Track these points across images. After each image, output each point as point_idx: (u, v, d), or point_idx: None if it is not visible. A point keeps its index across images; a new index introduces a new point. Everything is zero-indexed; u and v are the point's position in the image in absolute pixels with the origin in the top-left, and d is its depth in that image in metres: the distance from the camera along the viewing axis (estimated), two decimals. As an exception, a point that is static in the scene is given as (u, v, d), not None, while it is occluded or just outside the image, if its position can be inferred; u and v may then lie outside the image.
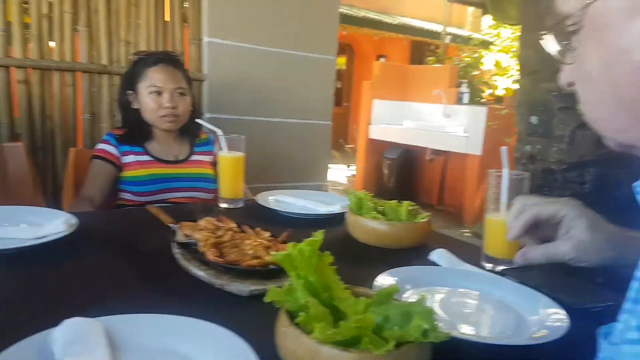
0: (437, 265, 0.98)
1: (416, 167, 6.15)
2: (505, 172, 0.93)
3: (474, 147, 4.95)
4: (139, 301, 0.75)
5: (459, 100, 5.60)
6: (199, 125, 1.73)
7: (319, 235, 0.63)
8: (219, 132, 1.30)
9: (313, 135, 2.57)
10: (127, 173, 1.57)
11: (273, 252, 0.88)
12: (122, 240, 1.01)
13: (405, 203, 1.17)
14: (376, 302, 0.63)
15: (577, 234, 0.76)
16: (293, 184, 2.49)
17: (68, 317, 0.60)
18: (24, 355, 0.51)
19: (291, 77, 2.41)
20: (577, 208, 0.78)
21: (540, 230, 0.83)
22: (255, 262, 0.84)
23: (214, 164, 1.72)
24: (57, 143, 1.97)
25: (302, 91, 2.47)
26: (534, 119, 2.08)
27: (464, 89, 5.61)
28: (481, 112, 4.91)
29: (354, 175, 6.62)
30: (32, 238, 0.85)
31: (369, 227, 1.09)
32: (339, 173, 7.06)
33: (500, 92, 5.99)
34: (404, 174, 6.07)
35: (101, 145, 1.59)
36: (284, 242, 0.96)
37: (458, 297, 0.83)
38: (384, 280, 0.82)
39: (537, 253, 0.80)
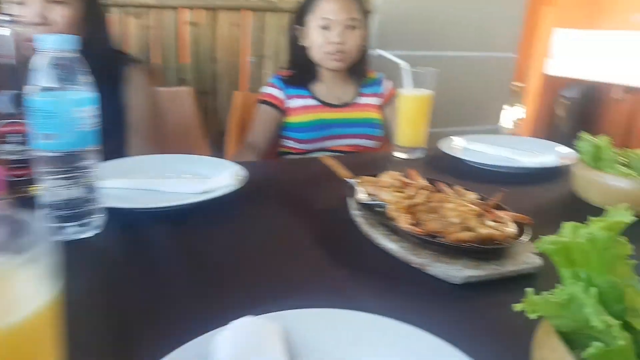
0: None
1: (600, 110, 5.19)
2: None
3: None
4: (318, 277, 0.58)
5: (667, 24, 4.46)
6: (367, 63, 1.52)
7: (622, 215, 0.37)
8: (405, 65, 1.06)
9: (491, 71, 2.19)
10: (292, 118, 1.44)
11: (489, 222, 0.65)
12: (293, 195, 0.86)
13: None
14: None
15: None
16: (462, 129, 2.17)
17: (240, 300, 0.49)
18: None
19: (471, 2, 2.03)
20: None
21: None
22: (467, 235, 0.61)
23: (381, 107, 1.51)
24: (222, 87, 1.94)
25: (483, 18, 2.08)
26: None
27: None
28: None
29: (520, 118, 5.87)
30: (196, 193, 0.74)
31: (614, 187, 0.78)
32: (502, 115, 6.34)
33: None
34: (584, 117, 5.15)
35: (268, 89, 1.47)
36: (498, 206, 0.71)
37: None
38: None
39: None
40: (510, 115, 6.21)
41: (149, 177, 0.78)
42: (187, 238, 0.67)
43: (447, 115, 2.16)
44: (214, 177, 0.77)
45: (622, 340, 0.34)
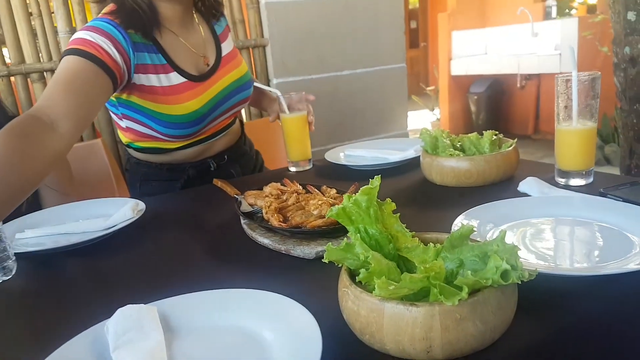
0: (528, 196, 0.86)
1: (506, 98, 5.69)
2: (575, 74, 0.85)
3: (568, 64, 4.45)
4: (204, 278, 0.72)
5: (547, 16, 5.03)
6: None
7: (374, 182, 0.55)
8: (277, 92, 1.23)
9: (387, 82, 2.43)
10: (153, 106, 1.03)
11: (339, 209, 0.82)
12: (190, 218, 1.00)
13: (488, 133, 1.03)
14: (448, 247, 0.54)
15: None
16: (371, 138, 2.39)
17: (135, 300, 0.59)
18: (78, 349, 0.49)
19: (356, 23, 2.27)
20: None
21: None
22: (320, 221, 0.78)
23: (240, 48, 1.30)
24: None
25: (370, 36, 2.32)
26: (631, 15, 1.76)
27: (551, 1, 5.01)
28: (572, 23, 4.37)
29: (438, 119, 6.29)
30: (101, 229, 0.86)
31: (445, 166, 0.97)
32: (423, 119, 6.76)
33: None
34: (494, 108, 5.64)
35: (89, 36, 0.91)
36: (352, 196, 0.89)
37: (552, 227, 0.72)
38: (462, 222, 0.72)
39: None
40: (428, 118, 6.63)
41: (62, 224, 0.90)
42: (95, 265, 0.80)
43: (355, 129, 2.38)
44: (115, 214, 0.89)
45: (375, 263, 0.51)
